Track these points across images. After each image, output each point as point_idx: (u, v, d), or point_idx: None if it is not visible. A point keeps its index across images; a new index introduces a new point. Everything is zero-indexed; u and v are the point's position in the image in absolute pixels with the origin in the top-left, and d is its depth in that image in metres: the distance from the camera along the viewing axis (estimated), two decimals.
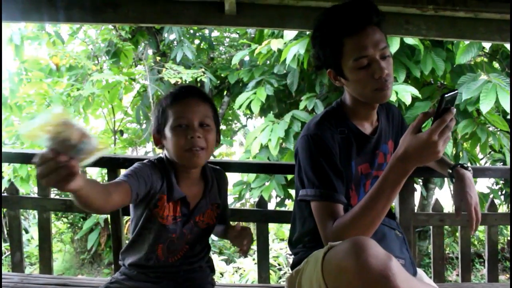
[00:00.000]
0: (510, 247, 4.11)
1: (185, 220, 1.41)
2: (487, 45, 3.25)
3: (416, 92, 3.11)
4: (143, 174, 1.31)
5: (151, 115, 1.46)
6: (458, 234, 2.06)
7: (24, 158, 2.36)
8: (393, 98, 3.00)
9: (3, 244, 4.60)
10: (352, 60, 1.28)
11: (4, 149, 2.90)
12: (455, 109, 1.06)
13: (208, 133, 1.36)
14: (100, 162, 2.16)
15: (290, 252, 1.64)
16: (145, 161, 1.38)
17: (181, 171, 1.40)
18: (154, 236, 1.39)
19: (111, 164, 1.98)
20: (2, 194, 2.05)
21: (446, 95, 1.04)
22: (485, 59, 3.70)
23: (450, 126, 1.05)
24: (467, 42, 3.03)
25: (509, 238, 4.65)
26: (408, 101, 3.03)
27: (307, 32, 3.29)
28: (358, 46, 1.27)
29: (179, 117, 1.33)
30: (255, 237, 1.95)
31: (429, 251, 2.04)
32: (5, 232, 3.86)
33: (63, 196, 4.23)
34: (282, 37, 3.58)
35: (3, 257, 4.46)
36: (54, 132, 0.84)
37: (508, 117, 3.37)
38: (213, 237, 1.74)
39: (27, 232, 4.98)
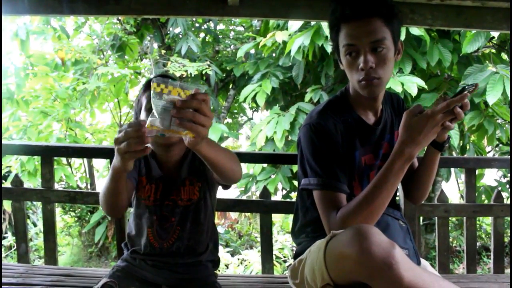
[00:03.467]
0: (510, 238, 4.07)
1: (162, 200, 1.44)
2: (495, 34, 3.20)
3: (422, 84, 3.08)
4: None
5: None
6: (464, 225, 2.04)
7: (30, 151, 2.37)
8: (399, 89, 2.97)
9: (12, 238, 4.65)
10: (342, 46, 1.29)
11: (10, 142, 2.91)
12: (468, 94, 1.10)
13: None
14: (103, 153, 2.19)
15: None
16: None
17: (159, 155, 1.45)
18: (142, 220, 1.45)
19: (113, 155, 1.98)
20: (7, 186, 2.07)
21: (467, 87, 1.12)
22: (493, 50, 3.64)
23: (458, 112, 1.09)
24: (474, 31, 2.99)
25: None
26: (414, 92, 3.00)
27: (312, 23, 3.26)
28: (349, 34, 1.27)
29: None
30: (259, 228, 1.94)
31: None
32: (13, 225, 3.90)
33: (69, 189, 4.27)
34: (287, 29, 3.55)
35: (12, 250, 4.52)
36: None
37: None
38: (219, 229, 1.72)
39: (35, 225, 5.02)
